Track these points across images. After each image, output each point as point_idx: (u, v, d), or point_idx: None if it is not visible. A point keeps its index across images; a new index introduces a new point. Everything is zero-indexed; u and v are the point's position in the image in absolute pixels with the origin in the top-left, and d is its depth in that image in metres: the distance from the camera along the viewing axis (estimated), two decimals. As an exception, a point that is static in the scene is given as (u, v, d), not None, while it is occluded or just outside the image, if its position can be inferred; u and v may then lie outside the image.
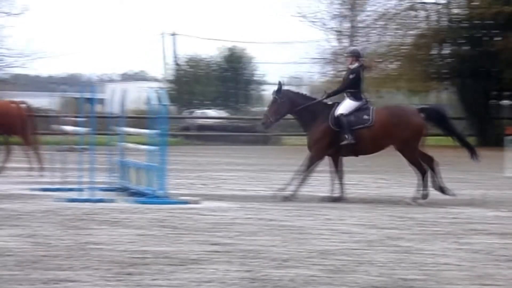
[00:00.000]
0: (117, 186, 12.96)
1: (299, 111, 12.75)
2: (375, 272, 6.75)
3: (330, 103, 12.74)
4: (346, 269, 6.86)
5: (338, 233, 8.90)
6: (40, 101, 38.69)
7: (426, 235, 8.93)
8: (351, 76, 12.66)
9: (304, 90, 44.26)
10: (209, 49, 48.62)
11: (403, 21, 34.62)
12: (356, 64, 12.68)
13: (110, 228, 8.87)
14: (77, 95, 13.24)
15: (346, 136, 12.30)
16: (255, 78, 48.00)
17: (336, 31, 36.27)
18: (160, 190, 11.39)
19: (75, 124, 13.82)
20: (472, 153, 12.88)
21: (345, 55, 13.22)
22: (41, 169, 15.50)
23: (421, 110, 12.95)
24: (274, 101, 12.73)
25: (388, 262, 7.21)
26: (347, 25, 36.23)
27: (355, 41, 35.69)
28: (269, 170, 18.38)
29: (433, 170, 12.55)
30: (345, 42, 36.22)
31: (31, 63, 36.22)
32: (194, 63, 47.59)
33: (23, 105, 16.26)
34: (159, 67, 50.79)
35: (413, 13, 34.78)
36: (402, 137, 12.41)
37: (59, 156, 13.33)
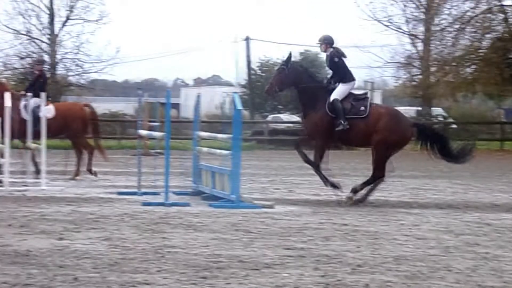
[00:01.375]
0: (191, 190, 13.07)
1: (302, 88, 12.71)
2: (451, 279, 6.64)
3: (331, 88, 12.67)
4: (421, 275, 6.77)
5: (413, 239, 8.79)
6: (116, 106, 39.32)
7: (504, 242, 8.75)
8: (336, 59, 12.66)
9: (379, 95, 43.92)
10: (282, 53, 48.57)
11: (480, 24, 34.06)
12: (331, 49, 12.69)
13: (184, 231, 8.93)
14: (152, 100, 13.41)
15: (341, 122, 12.29)
16: (328, 83, 47.83)
17: (410, 34, 35.89)
18: (234, 194, 11.43)
19: (151, 128, 14.00)
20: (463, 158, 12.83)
21: (318, 42, 13.04)
22: (90, 172, 15.70)
23: (415, 125, 12.95)
24: (281, 71, 12.74)
25: (465, 268, 7.09)
26: (421, 28, 35.82)
27: (429, 45, 35.28)
28: (342, 174, 18.25)
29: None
30: (420, 46, 35.83)
31: (108, 68, 36.84)
32: (267, 67, 47.66)
33: (87, 108, 16.51)
34: (233, 72, 51.01)
35: (490, 16, 34.19)
36: (385, 139, 12.30)
37: (134, 160, 13.50)
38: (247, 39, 46.88)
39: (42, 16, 36.96)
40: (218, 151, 12.23)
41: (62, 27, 36.95)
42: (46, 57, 36.09)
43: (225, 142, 12.10)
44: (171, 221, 9.76)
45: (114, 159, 21.80)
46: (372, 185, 12.35)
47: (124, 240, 8.15)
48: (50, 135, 15.39)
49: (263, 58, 48.59)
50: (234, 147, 11.50)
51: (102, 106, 35.60)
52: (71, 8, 36.87)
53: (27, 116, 15.11)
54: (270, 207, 11.46)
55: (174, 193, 12.47)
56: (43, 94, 14.71)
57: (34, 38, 36.84)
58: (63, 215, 10.07)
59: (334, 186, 12.49)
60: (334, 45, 12.82)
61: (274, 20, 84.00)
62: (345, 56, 12.84)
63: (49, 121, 14.68)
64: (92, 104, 17.93)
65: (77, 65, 36.73)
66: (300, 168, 21.21)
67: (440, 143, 12.76)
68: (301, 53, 47.07)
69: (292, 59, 13.04)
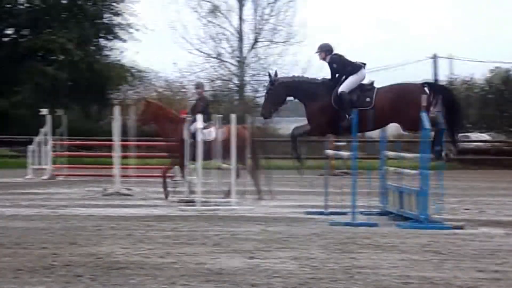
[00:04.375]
0: (378, 210, 12.98)
1: (297, 93, 12.70)
2: None
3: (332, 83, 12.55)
4: None
5: None
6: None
7: None
8: (334, 65, 12.59)
9: None
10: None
11: None
12: (329, 56, 12.63)
13: (372, 252, 8.87)
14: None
15: (347, 116, 12.09)
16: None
17: None
18: (423, 214, 11.24)
19: (337, 148, 14.04)
20: (453, 145, 12.46)
21: (316, 51, 12.87)
22: (259, 192, 15.78)
23: (427, 84, 12.56)
24: (269, 91, 12.70)
25: None
26: None
27: None
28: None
29: None
30: None
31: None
32: (455, 86, 46.60)
33: (246, 131, 16.74)
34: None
35: None
36: (410, 116, 11.87)
37: (320, 180, 13.58)
38: (434, 57, 46.15)
39: (232, 40, 38.08)
40: (406, 170, 12.08)
41: (251, 49, 37.88)
42: (235, 79, 37.13)
43: (416, 162, 11.92)
44: (359, 241, 9.73)
45: (300, 179, 22.02)
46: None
47: (313, 260, 8.21)
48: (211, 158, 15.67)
49: (451, 76, 47.61)
50: (423, 167, 11.32)
51: (287, 126, 36.07)
52: (259, 31, 37.76)
53: (190, 138, 15.63)
54: (461, 228, 11.19)
55: (361, 213, 12.43)
56: (206, 117, 15.16)
57: (224, 61, 38.00)
58: (253, 234, 10.28)
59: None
60: (333, 52, 12.74)
61: (462, 37, 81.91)
62: (343, 57, 12.72)
63: (211, 143, 15.04)
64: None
65: (264, 86, 37.48)
66: (491, 188, 20.61)
67: (449, 100, 12.45)
68: (491, 70, 45.78)
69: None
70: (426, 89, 12.42)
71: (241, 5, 38.17)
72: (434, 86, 12.76)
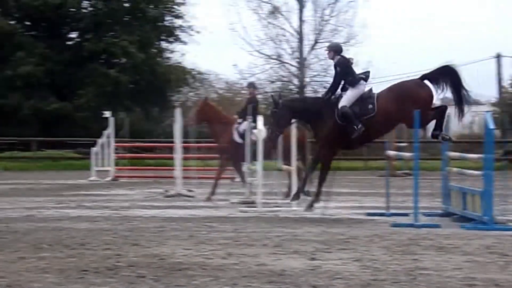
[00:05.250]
0: (441, 211, 12.84)
1: (303, 114, 12.71)
2: None
3: (333, 98, 12.54)
4: None
5: None
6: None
7: None
8: (338, 69, 12.50)
9: None
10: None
11: None
12: (338, 57, 12.58)
13: (435, 253, 8.78)
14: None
15: (355, 127, 12.01)
16: None
17: None
18: (487, 215, 11.09)
19: (398, 149, 13.93)
20: (460, 113, 12.35)
21: (325, 49, 12.98)
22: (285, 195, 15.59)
23: (425, 77, 12.30)
24: (273, 114, 12.71)
25: None
26: None
27: None
28: None
29: None
30: None
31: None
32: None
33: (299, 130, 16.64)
34: (482, 90, 49.47)
35: None
36: (411, 114, 11.60)
37: (381, 181, 13.49)
38: (498, 56, 45.43)
39: (292, 41, 38.08)
40: (469, 171, 11.94)
41: (311, 50, 37.83)
42: (295, 80, 37.12)
43: (477, 162, 11.77)
44: (421, 242, 9.64)
45: (360, 180, 21.92)
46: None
47: (374, 261, 8.16)
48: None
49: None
50: (486, 167, 11.16)
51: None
52: (319, 32, 37.68)
53: (239, 139, 15.64)
54: (525, 229, 11.00)
55: (424, 214, 12.32)
56: (255, 117, 15.14)
57: (284, 62, 38.02)
58: (314, 236, 10.26)
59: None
60: (341, 53, 12.75)
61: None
62: (350, 63, 12.71)
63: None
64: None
65: (324, 87, 37.42)
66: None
67: (452, 78, 12.25)
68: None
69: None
70: (426, 82, 12.33)
71: (301, 6, 38.17)
72: (434, 76, 12.48)
